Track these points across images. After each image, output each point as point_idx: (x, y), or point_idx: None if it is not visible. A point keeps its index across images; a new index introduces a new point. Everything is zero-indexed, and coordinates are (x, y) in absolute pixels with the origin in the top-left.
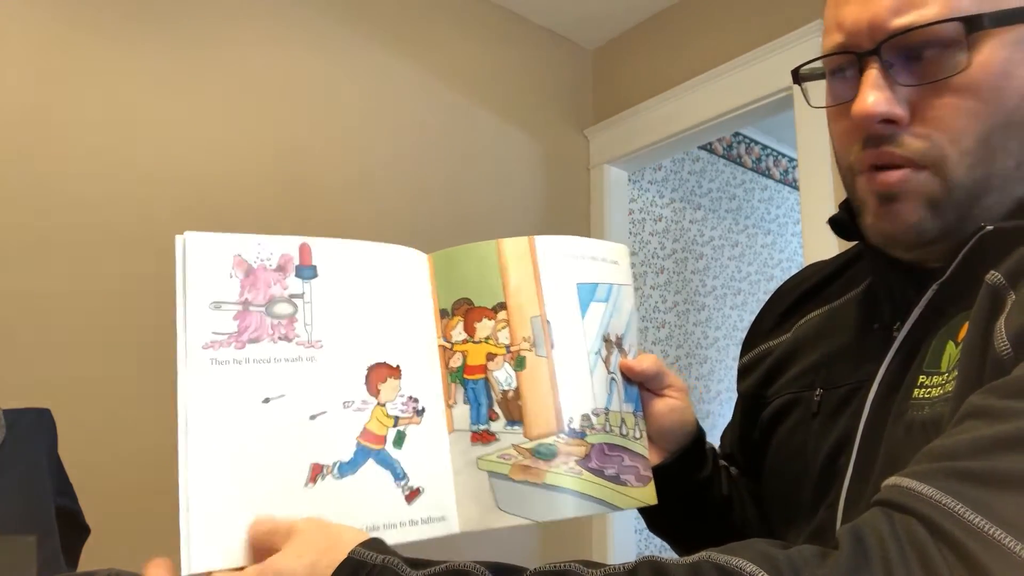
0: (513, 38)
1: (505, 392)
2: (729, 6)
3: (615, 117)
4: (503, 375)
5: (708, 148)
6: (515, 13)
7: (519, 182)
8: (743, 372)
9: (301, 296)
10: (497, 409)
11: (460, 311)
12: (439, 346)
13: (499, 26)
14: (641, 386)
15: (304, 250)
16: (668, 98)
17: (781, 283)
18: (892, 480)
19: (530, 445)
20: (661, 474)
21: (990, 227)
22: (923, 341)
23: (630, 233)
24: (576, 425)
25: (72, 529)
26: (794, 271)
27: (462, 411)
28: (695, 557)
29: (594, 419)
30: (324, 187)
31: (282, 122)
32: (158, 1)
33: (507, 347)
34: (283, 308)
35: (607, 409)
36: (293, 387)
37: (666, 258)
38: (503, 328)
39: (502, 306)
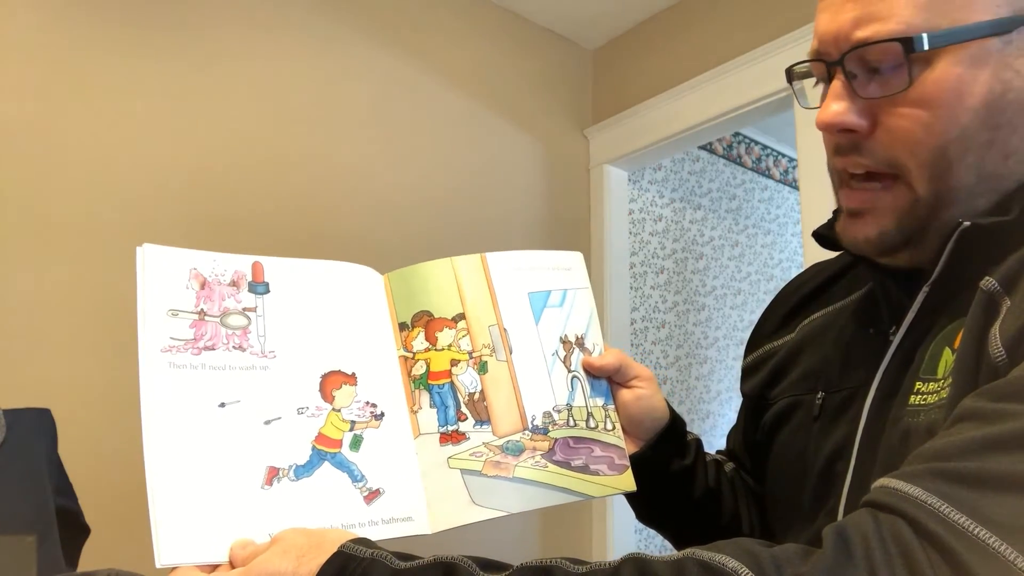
0: (513, 38)
1: (471, 394)
2: (729, 6)
3: (615, 117)
4: (468, 379)
5: (708, 148)
6: (515, 13)
7: (519, 182)
8: (747, 373)
9: (254, 309)
10: (465, 410)
11: (420, 323)
12: (400, 356)
13: (499, 26)
14: (610, 379)
15: (256, 268)
16: (668, 98)
17: (782, 283)
18: (881, 481)
19: (499, 442)
20: (638, 463)
21: (967, 223)
22: (919, 346)
23: (630, 233)
24: (539, 422)
25: (72, 529)
26: (794, 271)
27: (428, 415)
28: (679, 554)
29: (556, 415)
30: (324, 188)
31: (282, 124)
32: (158, 7)
33: (469, 353)
34: (237, 320)
35: (569, 405)
36: (248, 394)
37: (666, 258)
38: (464, 336)
39: (461, 316)
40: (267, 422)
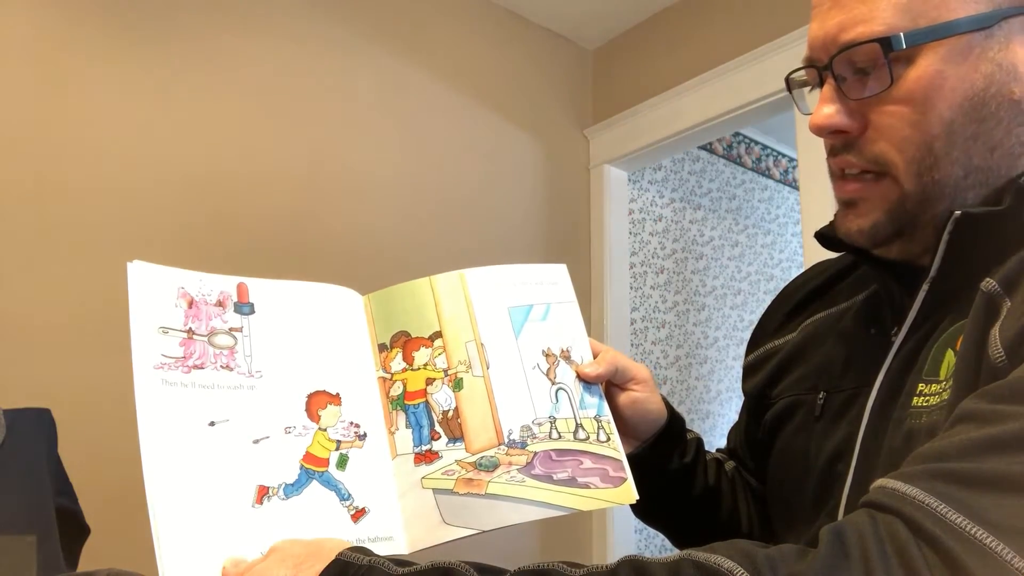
0: (513, 38)
1: (445, 412)
2: (729, 6)
3: (615, 117)
4: (442, 397)
5: (708, 148)
6: (515, 13)
7: (519, 182)
8: (748, 371)
9: (240, 329)
10: (439, 429)
11: (398, 343)
12: (379, 378)
13: (499, 26)
14: (609, 384)
15: (241, 288)
16: (668, 98)
17: (782, 283)
18: (879, 482)
19: (472, 459)
20: (634, 461)
21: (959, 212)
22: (921, 347)
23: (630, 233)
24: (516, 436)
25: (72, 529)
26: (794, 271)
27: (404, 436)
28: (675, 555)
29: (536, 428)
30: (324, 187)
31: (281, 124)
32: (162, 7)
33: (445, 371)
34: (224, 340)
35: (553, 417)
36: (236, 413)
37: (666, 258)
38: (440, 355)
39: (438, 335)
40: (256, 441)
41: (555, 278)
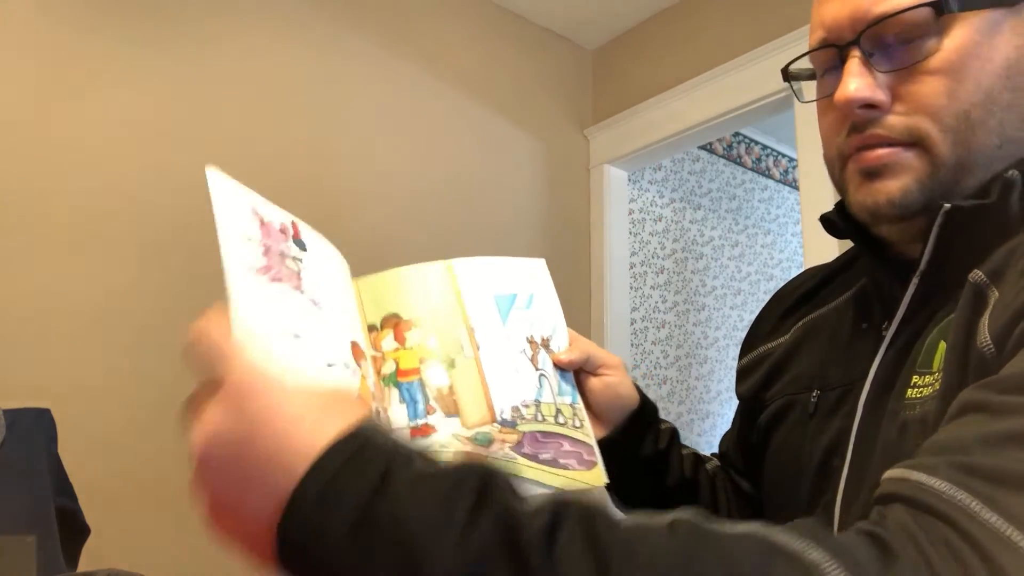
0: (513, 38)
1: (440, 388)
2: (729, 6)
3: (615, 117)
4: (436, 374)
5: (708, 148)
6: (515, 13)
7: (519, 182)
8: (742, 374)
9: (300, 260)
10: (434, 404)
11: (389, 324)
12: (370, 356)
13: (499, 26)
14: (581, 371)
15: (295, 226)
16: (668, 98)
17: (782, 283)
18: (900, 473)
19: (469, 433)
20: (607, 447)
21: (948, 205)
22: (914, 339)
23: (630, 233)
24: (507, 415)
25: (72, 529)
26: (794, 271)
27: (398, 410)
28: (747, 529)
29: (524, 410)
30: (325, 187)
31: (283, 123)
32: (166, 8)
33: (437, 351)
34: (292, 264)
35: (537, 401)
36: (312, 332)
37: (666, 258)
38: (432, 335)
39: (429, 317)
40: (329, 365)
41: (535, 271)
